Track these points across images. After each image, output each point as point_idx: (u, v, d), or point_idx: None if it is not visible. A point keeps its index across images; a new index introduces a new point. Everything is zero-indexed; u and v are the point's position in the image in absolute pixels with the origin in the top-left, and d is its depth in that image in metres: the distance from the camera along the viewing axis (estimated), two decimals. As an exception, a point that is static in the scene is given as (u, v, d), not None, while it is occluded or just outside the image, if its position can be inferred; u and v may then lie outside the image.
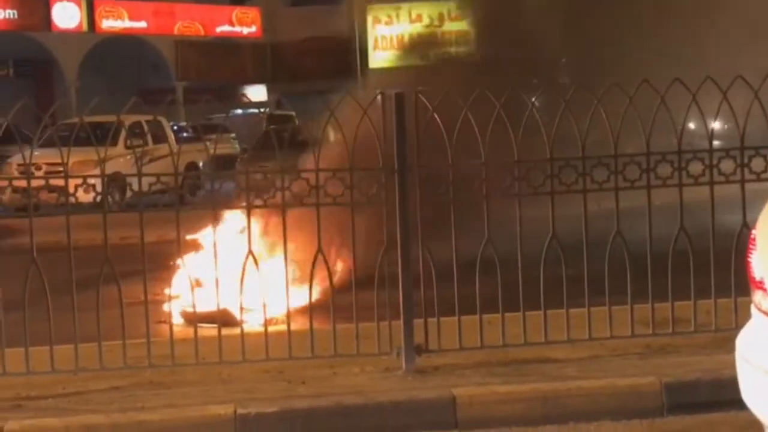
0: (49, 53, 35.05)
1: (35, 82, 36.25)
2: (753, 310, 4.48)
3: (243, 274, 6.21)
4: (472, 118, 6.21)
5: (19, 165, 16.58)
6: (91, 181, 6.22)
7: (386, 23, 38.58)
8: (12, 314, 6.18)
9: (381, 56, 37.74)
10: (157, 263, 6.84)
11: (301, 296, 6.47)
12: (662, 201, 6.52)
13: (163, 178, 6.38)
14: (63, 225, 6.12)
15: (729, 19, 12.83)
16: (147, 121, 19.97)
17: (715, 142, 6.53)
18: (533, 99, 6.47)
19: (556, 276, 6.29)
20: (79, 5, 35.25)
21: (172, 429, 5.55)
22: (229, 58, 38.94)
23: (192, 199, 7.91)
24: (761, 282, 4.34)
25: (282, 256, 6.44)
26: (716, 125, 6.68)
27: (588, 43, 13.37)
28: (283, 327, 6.45)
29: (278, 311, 6.71)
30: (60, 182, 6.18)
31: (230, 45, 39.47)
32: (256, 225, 6.80)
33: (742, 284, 4.93)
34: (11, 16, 34.19)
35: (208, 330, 6.41)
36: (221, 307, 6.37)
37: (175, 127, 25.82)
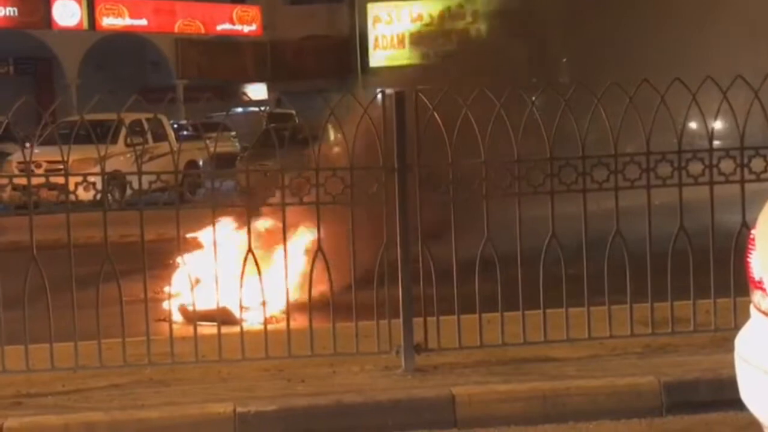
0: (49, 51, 35.04)
1: (36, 79, 36.25)
2: (752, 310, 4.49)
3: (243, 272, 6.21)
4: (471, 117, 6.21)
5: (19, 163, 16.60)
6: (92, 179, 6.22)
7: (386, 22, 38.58)
8: (12, 312, 6.18)
9: (381, 55, 37.75)
10: (157, 261, 6.84)
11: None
12: (661, 201, 6.52)
13: (163, 177, 6.38)
14: (63, 223, 6.12)
15: (730, 19, 12.83)
16: (147, 119, 19.98)
17: (716, 142, 6.53)
18: (533, 98, 6.47)
19: (556, 275, 6.29)
20: (80, 3, 35.25)
21: (172, 427, 5.56)
22: (229, 57, 38.92)
23: (192, 197, 7.91)
24: (760, 282, 4.34)
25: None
26: (718, 125, 6.68)
27: (588, 42, 13.36)
28: (282, 325, 6.45)
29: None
30: (60, 180, 6.18)
31: (231, 43, 39.46)
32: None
33: (741, 284, 4.93)
34: (12, 14, 34.19)
35: (207, 328, 6.41)
36: (221, 305, 6.37)
37: (176, 126, 25.83)
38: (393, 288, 6.20)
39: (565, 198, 6.39)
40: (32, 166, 6.45)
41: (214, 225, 6.42)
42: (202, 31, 38.95)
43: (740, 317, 5.37)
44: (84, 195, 6.30)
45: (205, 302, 6.58)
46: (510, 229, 6.32)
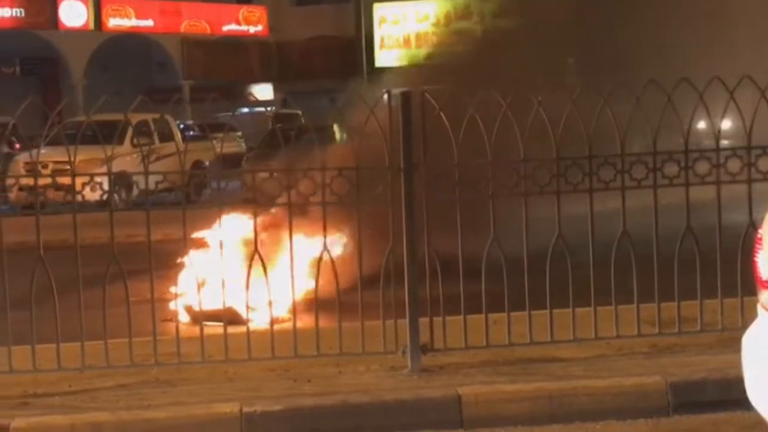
0: (55, 51, 35.10)
1: (42, 80, 36.31)
2: (759, 309, 4.47)
3: (249, 272, 6.21)
4: (478, 117, 6.21)
5: (26, 163, 16.63)
6: (98, 179, 6.23)
7: (393, 22, 38.58)
8: (19, 312, 6.19)
9: (387, 55, 37.75)
10: (163, 261, 6.85)
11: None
12: (668, 200, 6.51)
13: (169, 177, 6.38)
14: (70, 223, 6.13)
15: (738, 20, 12.81)
16: (153, 120, 20.00)
17: (725, 142, 6.52)
18: (539, 98, 6.46)
19: (563, 275, 6.29)
20: (86, 4, 35.30)
21: (179, 427, 5.56)
22: (235, 57, 38.94)
23: (197, 198, 7.92)
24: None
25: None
26: (726, 124, 6.66)
27: (595, 42, 13.35)
28: (289, 325, 6.46)
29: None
30: (67, 180, 6.19)
31: (237, 44, 39.48)
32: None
33: (748, 284, 4.92)
34: (18, 15, 34.25)
35: (214, 328, 6.41)
36: (227, 305, 6.38)
37: (182, 126, 25.85)
38: (399, 288, 6.20)
39: (572, 198, 6.38)
40: (39, 167, 6.46)
41: (220, 225, 6.43)
42: (208, 31, 38.99)
43: (747, 317, 5.36)
44: (90, 195, 6.31)
45: (211, 302, 6.58)
46: (522, 229, 6.30)
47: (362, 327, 6.22)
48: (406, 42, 37.61)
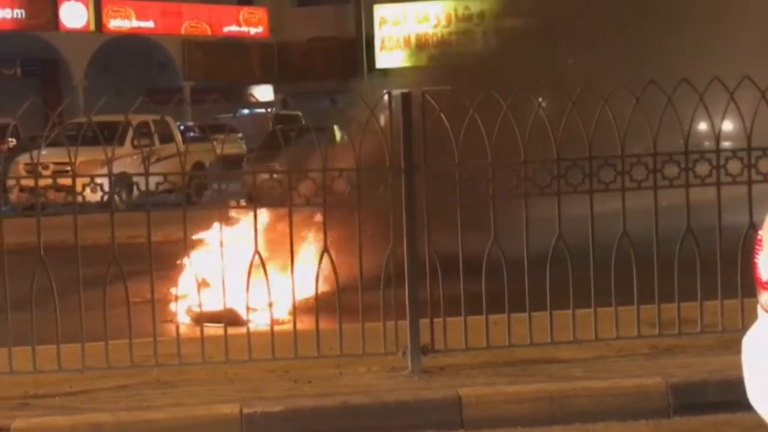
0: (56, 53, 35.11)
1: (42, 81, 36.32)
2: (759, 310, 4.47)
3: (249, 273, 6.22)
4: (479, 118, 6.21)
5: (26, 164, 16.63)
6: (99, 180, 6.23)
7: (393, 23, 38.58)
8: (19, 313, 6.19)
9: (388, 56, 37.75)
10: (164, 263, 6.85)
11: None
12: (668, 202, 6.51)
13: (170, 178, 6.39)
14: (70, 224, 6.13)
15: (739, 22, 12.80)
16: (154, 121, 19.99)
17: (726, 143, 6.51)
18: (540, 99, 6.47)
19: (563, 276, 6.29)
20: (87, 5, 35.30)
21: (179, 428, 5.56)
22: (236, 58, 38.96)
23: (198, 199, 7.92)
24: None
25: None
26: (728, 126, 6.66)
27: (596, 44, 13.35)
28: (289, 327, 6.46)
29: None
30: (67, 181, 6.20)
31: (237, 45, 39.49)
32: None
33: (748, 285, 4.92)
34: (19, 16, 34.26)
35: (214, 329, 6.41)
36: (227, 306, 6.38)
37: (182, 127, 25.86)
38: (399, 289, 6.20)
39: (572, 199, 6.38)
40: (39, 168, 6.46)
41: (220, 226, 6.43)
42: (209, 32, 39.00)
43: (747, 318, 5.36)
44: (91, 196, 6.31)
45: (211, 303, 6.59)
46: (523, 230, 6.30)
47: (363, 328, 6.22)
48: (407, 43, 37.62)
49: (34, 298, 6.04)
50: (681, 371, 5.94)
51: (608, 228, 6.42)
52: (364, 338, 6.22)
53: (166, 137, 20.50)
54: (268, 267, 6.27)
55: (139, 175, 6.33)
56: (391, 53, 37.87)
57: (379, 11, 38.46)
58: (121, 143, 16.89)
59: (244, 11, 40.37)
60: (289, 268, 6.35)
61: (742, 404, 4.54)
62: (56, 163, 9.01)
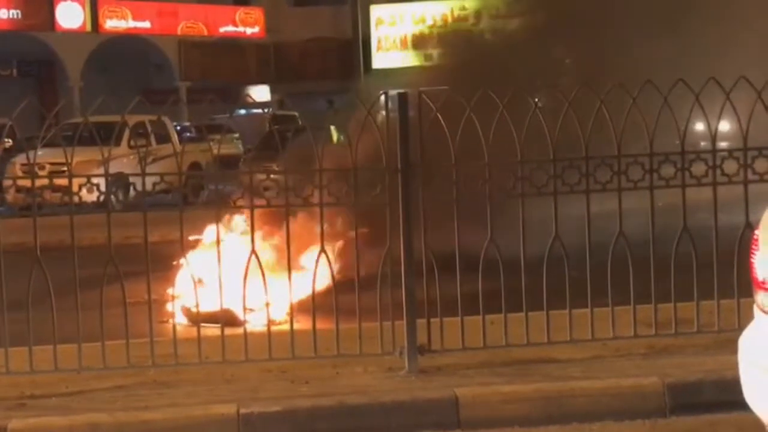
0: (52, 53, 35.08)
1: (39, 82, 36.29)
2: (755, 310, 4.48)
3: (246, 273, 6.22)
4: (475, 118, 6.22)
5: (22, 165, 16.62)
6: (95, 180, 6.23)
7: (390, 24, 38.58)
8: (16, 313, 6.19)
9: (384, 57, 37.75)
10: (160, 263, 6.85)
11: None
12: (665, 202, 6.52)
13: (166, 178, 6.38)
14: (67, 224, 6.12)
15: (737, 23, 12.81)
16: (150, 121, 19.99)
17: (723, 144, 6.52)
18: (537, 99, 6.48)
19: (560, 276, 6.29)
20: (83, 5, 35.27)
21: (176, 428, 5.56)
22: (232, 59, 38.94)
23: (195, 199, 7.92)
24: (764, 282, 4.34)
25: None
26: (725, 126, 6.67)
27: (593, 44, 13.35)
28: (286, 327, 6.46)
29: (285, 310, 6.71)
30: (64, 182, 6.19)
31: (234, 45, 39.47)
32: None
33: (744, 285, 4.92)
34: (15, 16, 34.22)
35: (211, 330, 6.41)
36: (224, 306, 6.38)
37: (179, 128, 25.84)
38: (396, 289, 6.20)
39: (568, 199, 6.39)
40: (36, 168, 6.46)
41: (217, 226, 6.43)
42: (205, 33, 38.98)
43: (744, 318, 5.37)
44: (87, 197, 6.31)
45: (208, 304, 6.59)
46: (519, 230, 6.31)
47: (359, 328, 6.22)
48: (403, 43, 37.61)
49: (30, 298, 6.03)
50: (678, 371, 5.95)
51: (605, 228, 6.43)
52: (361, 338, 6.22)
53: (163, 137, 20.50)
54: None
55: (136, 175, 6.33)
56: (387, 54, 37.87)
57: (376, 12, 38.46)
58: (118, 143, 16.85)
59: (241, 11, 40.35)
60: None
61: (739, 404, 4.55)
62: (53, 164, 8.98)
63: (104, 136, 6.68)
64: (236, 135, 29.19)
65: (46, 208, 6.43)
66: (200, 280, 6.57)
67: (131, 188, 6.63)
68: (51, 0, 34.64)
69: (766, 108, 6.33)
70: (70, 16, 35.24)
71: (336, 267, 6.45)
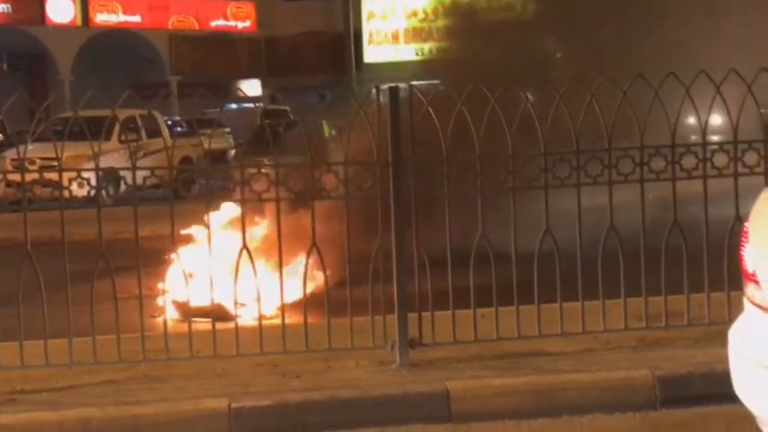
0: (43, 47, 34.99)
1: (29, 76, 36.20)
2: (745, 302, 4.49)
3: (237, 268, 6.21)
4: (466, 112, 6.22)
5: (13, 159, 16.58)
6: (85, 175, 6.21)
7: (381, 17, 38.57)
8: (6, 308, 6.18)
9: (376, 51, 37.75)
10: (151, 258, 6.84)
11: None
12: (655, 195, 6.53)
13: (157, 173, 6.37)
14: (57, 219, 6.11)
15: (727, 17, 12.82)
16: (141, 116, 19.96)
17: (714, 137, 6.53)
18: (527, 94, 6.48)
19: (551, 270, 6.30)
20: (73, -1, 35.21)
21: (167, 423, 5.56)
22: (223, 53, 38.89)
23: (186, 194, 7.90)
24: (754, 275, 4.35)
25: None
26: (716, 120, 6.68)
27: (584, 38, 13.36)
28: (277, 321, 6.46)
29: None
30: (54, 176, 6.17)
31: (225, 39, 39.42)
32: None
33: (734, 278, 4.94)
34: (5, 10, 34.13)
35: (202, 324, 6.41)
36: (215, 301, 6.37)
37: (170, 122, 25.79)
38: (387, 283, 6.21)
39: (559, 192, 6.39)
40: (26, 163, 6.44)
41: (208, 221, 6.42)
42: (196, 27, 38.93)
43: (734, 311, 5.38)
44: (78, 191, 6.29)
45: (199, 298, 6.58)
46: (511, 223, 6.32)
47: (351, 322, 6.22)
48: (395, 37, 37.62)
49: (21, 293, 6.02)
50: (668, 363, 5.96)
51: (596, 221, 6.44)
52: (353, 332, 6.23)
53: (154, 132, 20.46)
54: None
55: (127, 169, 6.32)
56: (379, 47, 37.87)
57: (367, 5, 38.46)
58: (108, 138, 16.84)
59: (232, 5, 40.30)
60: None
61: (729, 396, 4.56)
62: (43, 158, 8.96)
63: (95, 130, 6.66)
64: (227, 129, 29.16)
65: (37, 203, 6.41)
66: (191, 275, 6.57)
67: (122, 183, 6.61)
68: (41, -6, 34.57)
69: (756, 101, 6.34)
70: (60, 10, 35.17)
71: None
